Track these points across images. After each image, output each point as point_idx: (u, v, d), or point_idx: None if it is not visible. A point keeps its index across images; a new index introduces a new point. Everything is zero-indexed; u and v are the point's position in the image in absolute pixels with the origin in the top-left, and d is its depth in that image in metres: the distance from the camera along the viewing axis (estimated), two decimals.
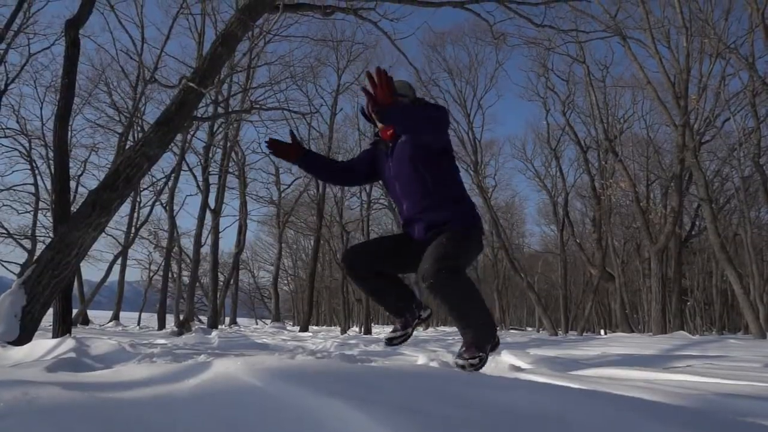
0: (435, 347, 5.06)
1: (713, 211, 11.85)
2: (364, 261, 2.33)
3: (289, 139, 2.46)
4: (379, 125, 2.40)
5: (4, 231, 18.69)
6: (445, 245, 2.10)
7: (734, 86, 23.01)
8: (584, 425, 0.85)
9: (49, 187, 18.02)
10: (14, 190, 19.44)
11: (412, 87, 2.47)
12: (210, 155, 18.14)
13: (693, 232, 18.71)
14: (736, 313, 22.43)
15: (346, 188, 18.64)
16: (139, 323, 22.09)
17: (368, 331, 18.16)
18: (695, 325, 19.53)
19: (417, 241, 2.30)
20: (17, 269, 18.02)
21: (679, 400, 1.42)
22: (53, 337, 4.58)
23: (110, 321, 20.00)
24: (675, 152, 13.32)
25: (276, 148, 2.40)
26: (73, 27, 5.32)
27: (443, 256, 2.03)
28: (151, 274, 27.01)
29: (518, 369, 2.42)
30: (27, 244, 19.20)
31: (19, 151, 19.20)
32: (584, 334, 17.82)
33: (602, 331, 22.95)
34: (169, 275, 19.87)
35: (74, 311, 12.97)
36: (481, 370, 2.04)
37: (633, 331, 16.22)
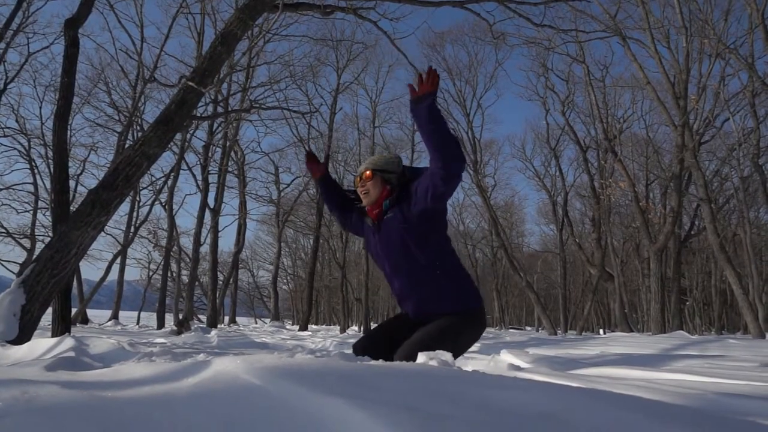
0: None
1: (712, 211, 11.85)
2: (374, 352, 2.25)
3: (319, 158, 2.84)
4: (365, 202, 2.37)
5: (4, 230, 18.69)
6: (427, 338, 2.05)
7: (734, 86, 23.08)
8: (584, 424, 0.85)
9: (48, 186, 18.04)
10: (13, 189, 19.47)
11: (401, 163, 2.40)
12: (209, 154, 18.14)
13: (692, 232, 18.72)
14: (735, 312, 22.48)
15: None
16: (138, 322, 22.11)
17: (367, 330, 18.17)
18: (694, 324, 19.58)
19: (414, 321, 2.27)
20: (16, 268, 18.03)
21: (679, 400, 1.42)
22: (52, 336, 4.58)
23: (109, 320, 20.00)
24: (674, 152, 13.33)
25: (310, 158, 2.78)
26: (72, 26, 5.31)
27: (416, 352, 1.94)
28: (151, 273, 27.04)
29: (517, 368, 2.42)
30: (26, 243, 19.21)
31: (19, 151, 19.24)
32: (583, 333, 17.85)
33: (601, 331, 22.97)
34: (169, 274, 19.85)
35: (73, 310, 12.96)
36: (480, 370, 2.04)
37: (632, 331, 16.23)
